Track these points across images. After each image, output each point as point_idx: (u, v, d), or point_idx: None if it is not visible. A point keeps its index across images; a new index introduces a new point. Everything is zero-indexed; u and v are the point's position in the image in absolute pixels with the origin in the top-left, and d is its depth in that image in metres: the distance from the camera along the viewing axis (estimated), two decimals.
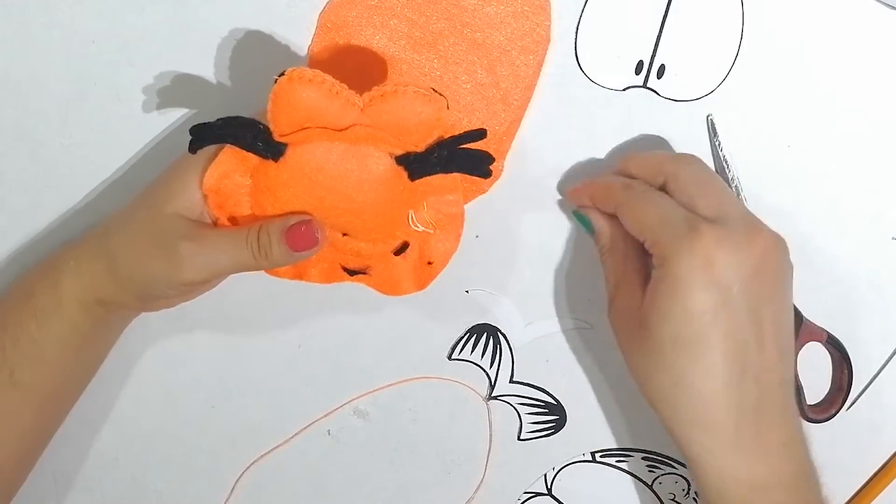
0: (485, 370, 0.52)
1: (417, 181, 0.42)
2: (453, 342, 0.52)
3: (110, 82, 0.48)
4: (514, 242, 0.50)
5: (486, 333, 0.52)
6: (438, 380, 0.52)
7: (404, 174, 0.42)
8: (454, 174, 0.43)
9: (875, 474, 0.53)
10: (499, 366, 0.52)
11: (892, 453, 0.53)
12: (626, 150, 0.48)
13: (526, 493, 0.55)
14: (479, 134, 0.41)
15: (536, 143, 0.48)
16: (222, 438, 0.53)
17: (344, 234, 0.44)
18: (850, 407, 0.52)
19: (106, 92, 0.48)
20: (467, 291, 0.51)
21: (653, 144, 0.48)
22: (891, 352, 0.51)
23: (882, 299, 0.50)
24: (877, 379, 0.51)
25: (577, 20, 0.46)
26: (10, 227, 0.50)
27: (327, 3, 0.46)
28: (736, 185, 0.48)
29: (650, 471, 0.54)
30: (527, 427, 0.53)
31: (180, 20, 0.47)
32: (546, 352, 0.52)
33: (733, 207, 0.41)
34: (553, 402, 0.53)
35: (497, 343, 0.52)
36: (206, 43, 0.47)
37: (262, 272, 0.45)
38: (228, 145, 0.42)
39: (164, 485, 0.54)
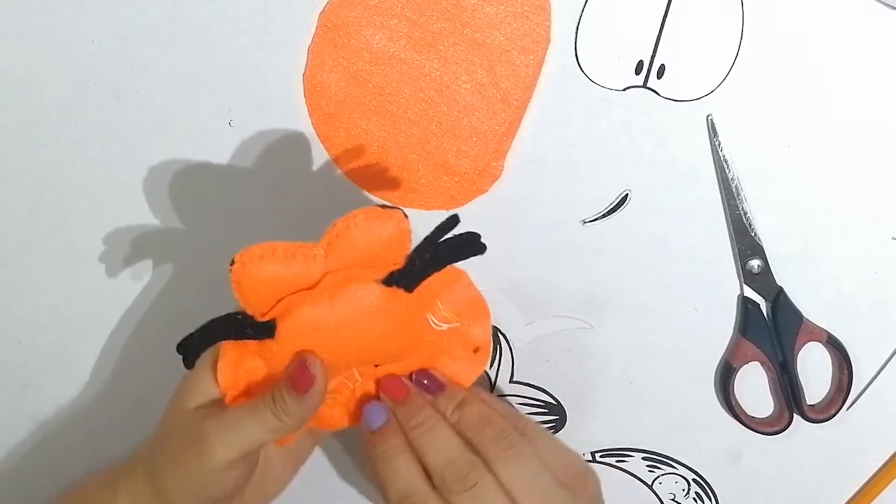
0: (485, 370, 0.52)
1: (418, 288, 0.40)
2: None
3: (110, 82, 0.48)
4: (514, 242, 0.50)
5: None
6: None
7: (399, 291, 0.39)
8: (451, 266, 0.40)
9: (875, 474, 0.53)
10: (499, 366, 0.52)
11: (892, 453, 0.53)
12: (626, 150, 0.48)
13: None
14: (452, 222, 0.39)
15: (536, 143, 0.48)
16: None
17: (376, 366, 0.43)
18: (850, 407, 0.52)
19: (106, 92, 0.48)
20: None
21: (653, 144, 0.48)
22: (891, 352, 0.51)
23: (882, 299, 0.50)
24: (877, 379, 0.51)
25: (577, 20, 0.46)
26: (10, 227, 0.50)
27: (327, 3, 0.46)
28: (736, 185, 0.48)
29: (650, 471, 0.54)
30: None
31: (180, 20, 0.47)
32: (546, 352, 0.52)
33: None
34: (553, 402, 0.53)
35: (497, 343, 0.52)
36: (206, 43, 0.47)
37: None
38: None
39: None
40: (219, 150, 0.49)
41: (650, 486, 0.55)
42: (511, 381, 0.52)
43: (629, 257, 0.50)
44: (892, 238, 0.49)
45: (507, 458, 0.40)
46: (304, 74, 0.47)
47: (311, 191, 0.49)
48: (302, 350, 0.40)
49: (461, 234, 0.39)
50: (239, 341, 0.40)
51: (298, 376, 0.39)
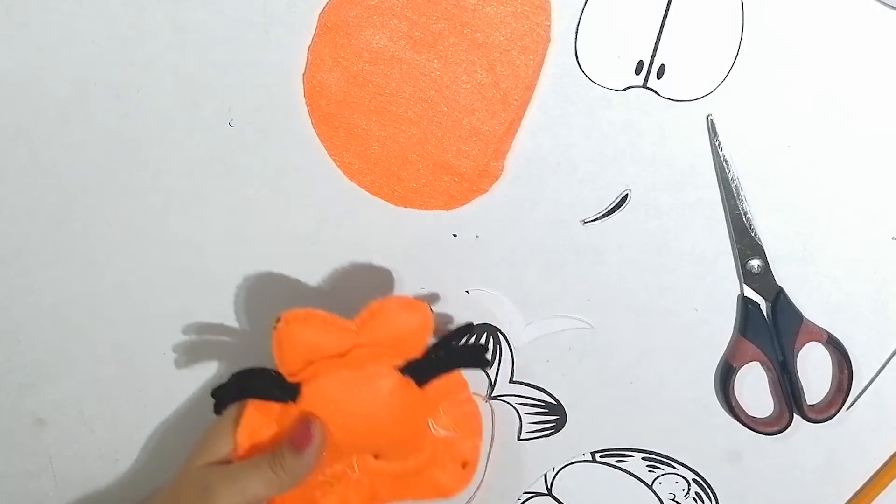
0: (485, 370, 0.52)
1: (427, 388, 0.45)
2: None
3: (110, 82, 0.48)
4: (514, 242, 0.50)
5: (486, 333, 0.52)
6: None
7: (412, 383, 0.45)
8: (458, 375, 0.47)
9: (875, 474, 0.53)
10: (499, 366, 0.52)
11: (892, 453, 0.53)
12: (626, 150, 0.48)
13: (526, 493, 0.55)
14: (468, 328, 0.46)
15: (536, 143, 0.48)
16: None
17: (376, 457, 0.47)
18: (850, 407, 0.52)
19: (106, 92, 0.48)
20: (467, 291, 0.51)
21: (653, 144, 0.48)
22: (891, 352, 0.51)
23: (882, 299, 0.50)
24: (877, 379, 0.51)
25: (577, 20, 0.46)
26: (10, 227, 0.50)
27: (327, 3, 0.46)
28: (736, 185, 0.48)
29: (650, 471, 0.54)
30: (527, 427, 0.53)
31: (180, 20, 0.47)
32: (546, 352, 0.52)
33: None
34: (553, 402, 0.53)
35: (497, 343, 0.52)
36: (206, 43, 0.47)
37: None
38: (250, 400, 0.44)
39: (164, 485, 0.54)
40: (219, 150, 0.49)
41: (650, 486, 0.55)
42: (511, 381, 0.52)
43: (629, 257, 0.50)
44: (892, 238, 0.49)
45: None
46: (304, 74, 0.47)
47: (311, 191, 0.49)
48: (310, 413, 0.44)
49: (474, 343, 0.47)
50: (263, 404, 0.44)
51: (298, 434, 0.43)
